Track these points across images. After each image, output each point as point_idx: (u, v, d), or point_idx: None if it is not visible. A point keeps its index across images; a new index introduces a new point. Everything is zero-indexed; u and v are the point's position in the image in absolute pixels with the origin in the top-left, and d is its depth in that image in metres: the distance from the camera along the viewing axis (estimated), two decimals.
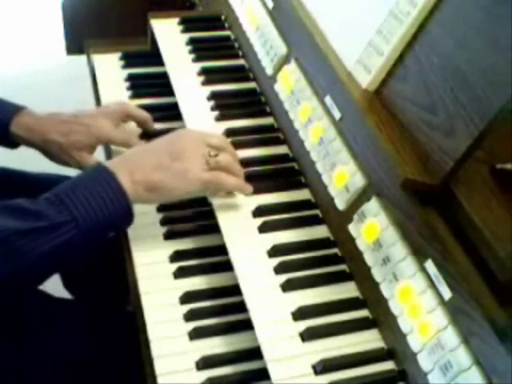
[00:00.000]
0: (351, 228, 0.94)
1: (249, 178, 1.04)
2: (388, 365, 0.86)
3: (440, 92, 0.85)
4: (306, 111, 1.05)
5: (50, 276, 0.92)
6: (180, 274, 0.96)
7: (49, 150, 1.11)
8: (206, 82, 1.23)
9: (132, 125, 1.16)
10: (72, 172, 1.12)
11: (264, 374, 0.83)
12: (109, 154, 1.14)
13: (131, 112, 1.15)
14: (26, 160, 1.16)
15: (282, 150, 1.12)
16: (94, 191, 0.87)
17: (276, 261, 0.94)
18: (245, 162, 1.06)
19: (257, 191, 1.03)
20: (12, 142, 1.12)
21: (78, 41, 1.44)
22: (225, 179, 0.98)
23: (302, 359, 0.84)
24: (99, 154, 1.14)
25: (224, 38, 1.34)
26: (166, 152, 0.96)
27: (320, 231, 1.00)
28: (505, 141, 0.84)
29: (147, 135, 1.17)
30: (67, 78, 2.32)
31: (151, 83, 1.29)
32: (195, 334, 0.90)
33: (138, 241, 1.00)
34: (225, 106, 1.18)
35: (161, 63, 1.28)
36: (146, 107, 1.22)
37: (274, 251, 0.96)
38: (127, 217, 0.92)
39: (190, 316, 0.92)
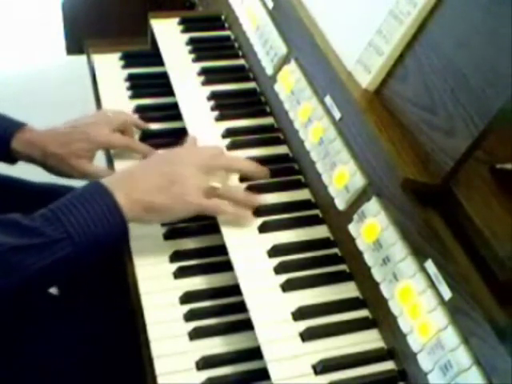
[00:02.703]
0: (351, 228, 0.94)
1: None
2: (388, 365, 0.86)
3: (440, 92, 0.85)
4: (306, 111, 1.05)
5: (47, 289, 0.93)
6: (180, 273, 0.96)
7: (49, 164, 1.11)
8: (206, 82, 1.23)
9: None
10: (71, 182, 1.13)
11: (264, 373, 0.83)
12: (109, 160, 1.14)
13: (130, 122, 1.15)
14: (26, 169, 1.16)
15: (281, 150, 1.12)
16: (91, 209, 0.87)
17: (276, 261, 0.94)
18: None
19: (257, 191, 1.03)
20: (11, 158, 1.13)
21: (78, 41, 1.44)
22: (221, 208, 0.98)
23: (302, 359, 0.84)
24: (100, 161, 1.14)
25: (224, 38, 1.34)
26: (165, 173, 0.95)
27: (320, 231, 1.00)
28: (505, 141, 0.84)
29: (146, 137, 1.16)
30: (67, 78, 2.32)
31: (151, 83, 1.29)
32: (195, 334, 0.90)
33: (138, 241, 1.00)
34: (225, 105, 1.18)
35: (161, 63, 1.28)
36: (145, 107, 1.23)
37: (274, 251, 0.96)
38: (123, 235, 0.91)
39: (190, 316, 0.92)
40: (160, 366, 0.86)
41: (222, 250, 0.97)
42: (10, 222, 0.85)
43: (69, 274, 0.90)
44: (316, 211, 1.03)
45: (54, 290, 1.14)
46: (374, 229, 0.89)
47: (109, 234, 0.88)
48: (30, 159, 1.12)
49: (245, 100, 1.21)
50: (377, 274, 0.89)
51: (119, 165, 1.11)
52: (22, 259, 0.82)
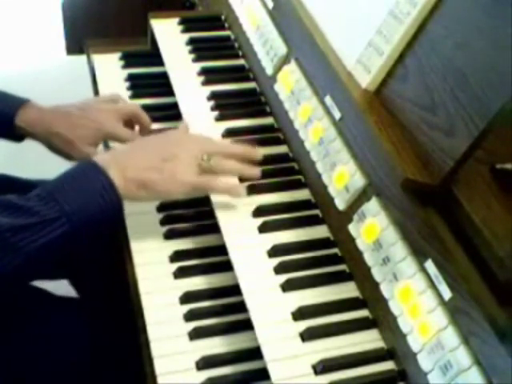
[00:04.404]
0: (351, 228, 0.94)
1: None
2: (388, 365, 0.86)
3: (440, 92, 0.85)
4: (306, 111, 1.05)
5: (43, 271, 0.93)
6: (180, 273, 0.97)
7: (52, 143, 1.10)
8: (206, 82, 1.23)
9: None
10: None
11: (264, 374, 0.83)
12: (108, 148, 1.14)
13: (139, 114, 1.14)
14: (27, 167, 1.16)
15: (282, 149, 1.12)
16: (85, 187, 0.87)
17: (276, 261, 0.94)
18: None
19: (257, 191, 1.03)
20: (17, 136, 1.12)
21: (78, 41, 1.44)
22: (214, 185, 0.98)
23: (302, 359, 0.84)
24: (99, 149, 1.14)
25: (224, 38, 1.34)
26: (158, 152, 0.96)
27: (320, 231, 1.00)
28: (505, 141, 0.84)
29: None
30: (67, 78, 2.32)
31: (151, 83, 1.29)
32: (195, 334, 0.90)
33: (138, 241, 1.00)
34: (225, 105, 1.18)
35: (161, 63, 1.28)
36: (145, 107, 1.22)
37: (274, 251, 0.96)
38: (118, 213, 0.92)
39: (190, 316, 0.92)
40: (160, 366, 0.86)
41: (222, 250, 0.97)
42: (6, 203, 0.85)
43: (65, 254, 0.90)
44: (316, 211, 1.03)
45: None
46: (373, 229, 0.89)
47: (104, 211, 0.88)
48: (34, 136, 1.11)
49: (245, 100, 1.21)
50: (377, 274, 0.89)
51: None
52: (19, 239, 0.83)
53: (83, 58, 1.37)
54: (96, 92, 1.28)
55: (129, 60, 1.33)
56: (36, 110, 1.10)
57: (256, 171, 1.03)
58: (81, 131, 1.08)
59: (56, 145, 1.10)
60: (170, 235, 1.01)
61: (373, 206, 0.90)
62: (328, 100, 1.00)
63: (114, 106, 1.13)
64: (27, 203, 0.85)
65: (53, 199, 0.86)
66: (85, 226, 0.87)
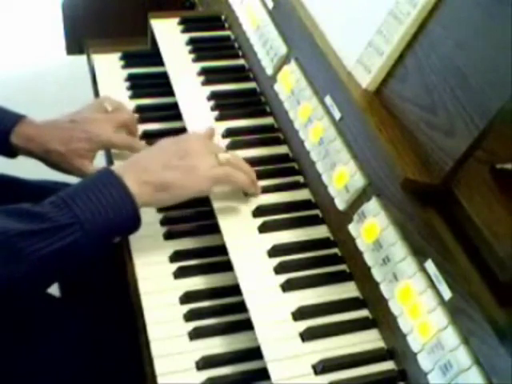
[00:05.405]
0: (351, 228, 0.94)
1: None
2: (388, 365, 0.86)
3: (440, 92, 0.85)
4: (306, 111, 1.05)
5: (54, 281, 0.92)
6: (180, 273, 0.97)
7: (49, 159, 1.10)
8: (206, 82, 1.23)
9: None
10: (72, 179, 1.12)
11: (264, 374, 0.83)
12: (110, 159, 1.14)
13: (130, 120, 1.14)
14: (25, 167, 1.16)
15: (282, 149, 1.12)
16: (100, 194, 0.87)
17: (276, 261, 0.94)
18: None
19: None
20: (11, 152, 1.11)
21: (78, 41, 1.44)
22: (235, 175, 0.98)
23: (302, 359, 0.84)
24: (100, 160, 1.14)
25: (224, 38, 1.34)
26: (173, 151, 0.95)
27: (320, 231, 1.00)
28: (505, 141, 0.84)
29: (146, 137, 1.16)
30: (67, 78, 2.32)
31: (151, 83, 1.29)
32: (195, 334, 0.90)
33: (138, 241, 1.00)
34: (225, 105, 1.18)
35: (161, 63, 1.28)
36: (146, 107, 1.23)
37: (274, 251, 0.96)
38: (134, 220, 0.91)
39: (189, 316, 0.92)
40: (160, 366, 0.86)
41: (222, 250, 0.97)
42: (20, 210, 0.85)
43: (77, 262, 0.89)
44: (316, 211, 1.03)
45: (55, 292, 1.14)
46: (373, 229, 0.89)
47: (118, 218, 0.88)
48: (30, 154, 1.10)
49: (245, 100, 1.21)
50: (377, 274, 0.89)
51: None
52: (29, 244, 0.82)
53: (83, 58, 1.37)
54: (96, 92, 1.28)
55: (129, 60, 1.33)
56: (31, 127, 1.09)
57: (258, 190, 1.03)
58: (75, 144, 1.08)
59: (53, 161, 1.10)
60: (170, 235, 1.01)
61: (373, 205, 0.90)
62: (328, 100, 1.00)
63: (107, 115, 1.12)
64: (41, 209, 0.84)
65: (66, 206, 0.85)
66: (98, 233, 0.86)
